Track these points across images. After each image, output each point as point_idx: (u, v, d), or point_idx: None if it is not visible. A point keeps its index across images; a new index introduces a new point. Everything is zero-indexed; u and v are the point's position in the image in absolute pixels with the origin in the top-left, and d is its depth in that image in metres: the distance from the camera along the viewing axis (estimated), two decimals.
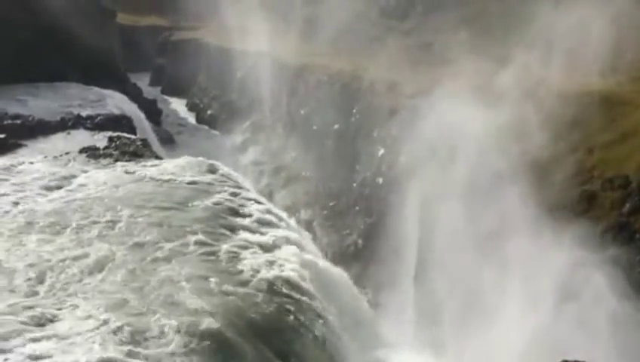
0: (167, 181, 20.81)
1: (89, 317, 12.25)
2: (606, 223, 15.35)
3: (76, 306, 12.64)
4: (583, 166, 16.74)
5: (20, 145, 25.85)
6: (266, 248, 16.59)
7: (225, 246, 15.90)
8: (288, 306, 14.17)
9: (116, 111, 33.87)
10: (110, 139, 26.27)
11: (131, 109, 38.56)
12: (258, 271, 14.86)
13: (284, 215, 21.26)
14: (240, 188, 20.86)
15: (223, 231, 16.96)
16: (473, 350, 15.72)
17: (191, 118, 56.64)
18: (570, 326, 13.76)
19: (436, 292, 18.08)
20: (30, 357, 10.96)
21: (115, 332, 11.73)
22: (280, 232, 18.05)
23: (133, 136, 27.98)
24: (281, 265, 15.48)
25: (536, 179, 16.81)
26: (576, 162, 16.91)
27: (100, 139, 26.45)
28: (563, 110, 17.39)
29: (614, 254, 14.48)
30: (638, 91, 18.35)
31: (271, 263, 15.48)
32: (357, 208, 26.62)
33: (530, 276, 15.27)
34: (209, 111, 54.39)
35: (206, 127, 52.95)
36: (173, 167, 22.32)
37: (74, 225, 16.64)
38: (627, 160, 16.01)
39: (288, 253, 16.68)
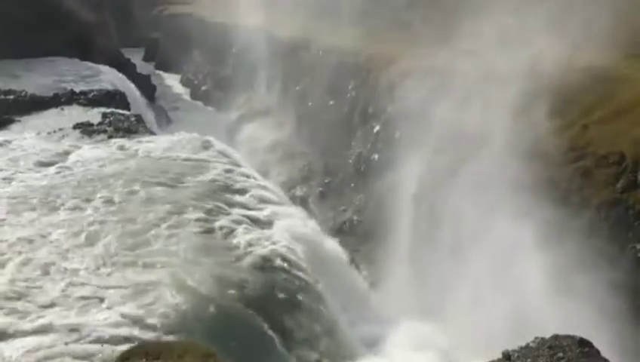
0: (162, 157, 20.76)
1: (81, 290, 12.33)
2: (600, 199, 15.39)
3: (67, 282, 12.69)
4: (578, 142, 16.71)
5: (13, 121, 25.68)
6: (260, 223, 16.63)
7: (220, 222, 15.93)
8: (282, 280, 14.26)
9: (110, 87, 33.60)
10: (104, 115, 26.10)
11: (125, 85, 38.29)
12: (253, 246, 14.92)
13: (279, 191, 21.28)
14: (235, 164, 20.82)
15: (218, 206, 16.96)
16: (471, 323, 15.77)
17: (185, 94, 56.29)
18: None
19: (431, 265, 18.17)
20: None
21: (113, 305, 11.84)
22: (275, 208, 18.08)
23: (127, 112, 27.80)
24: (275, 240, 15.53)
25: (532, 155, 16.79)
26: (572, 138, 16.88)
27: (94, 115, 26.27)
28: (559, 86, 17.32)
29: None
30: (634, 68, 18.28)
31: (266, 238, 15.53)
32: (352, 185, 26.62)
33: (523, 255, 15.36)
34: (203, 87, 54.05)
35: (201, 103, 52.61)
36: (168, 144, 22.24)
37: (68, 201, 16.61)
38: (622, 136, 15.99)
39: (283, 228, 16.74)
